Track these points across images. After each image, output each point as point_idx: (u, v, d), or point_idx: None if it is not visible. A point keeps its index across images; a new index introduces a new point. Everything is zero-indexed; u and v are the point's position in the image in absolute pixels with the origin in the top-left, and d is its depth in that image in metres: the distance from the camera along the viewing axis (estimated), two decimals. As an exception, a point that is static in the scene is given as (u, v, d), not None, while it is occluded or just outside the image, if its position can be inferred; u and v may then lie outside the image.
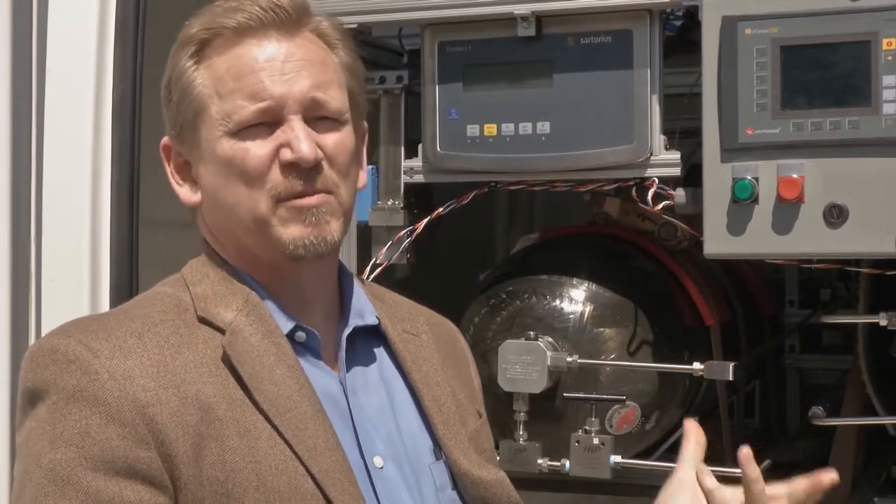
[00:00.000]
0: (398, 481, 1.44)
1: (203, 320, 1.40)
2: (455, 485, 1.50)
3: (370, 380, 1.49)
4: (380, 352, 1.53)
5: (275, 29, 1.43)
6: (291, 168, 1.40)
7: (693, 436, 1.57)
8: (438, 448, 1.50)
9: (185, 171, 1.49)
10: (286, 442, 1.34)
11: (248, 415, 1.34)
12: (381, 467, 1.43)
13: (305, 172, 1.40)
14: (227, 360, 1.37)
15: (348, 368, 1.47)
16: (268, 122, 1.41)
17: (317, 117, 1.43)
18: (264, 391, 1.36)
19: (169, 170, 1.50)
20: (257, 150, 1.40)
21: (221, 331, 1.39)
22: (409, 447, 1.47)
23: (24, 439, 1.32)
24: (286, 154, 1.39)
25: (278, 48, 1.42)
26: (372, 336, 1.53)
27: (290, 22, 1.44)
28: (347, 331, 1.48)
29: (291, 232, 1.40)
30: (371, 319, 1.52)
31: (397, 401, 1.51)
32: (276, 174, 1.40)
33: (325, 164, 1.42)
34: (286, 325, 1.43)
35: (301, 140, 1.39)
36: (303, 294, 1.47)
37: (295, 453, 1.34)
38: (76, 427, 1.28)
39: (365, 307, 1.53)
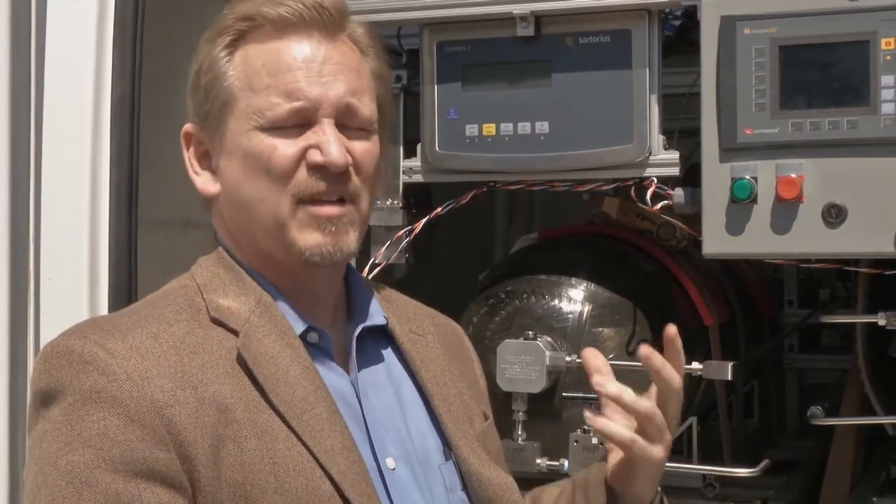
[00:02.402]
0: (410, 482, 1.43)
1: (216, 321, 1.39)
2: (464, 485, 1.49)
3: (379, 380, 1.49)
4: (388, 352, 1.53)
5: (316, 29, 1.42)
6: (318, 170, 1.39)
7: (591, 365, 1.49)
8: (448, 448, 1.50)
9: (205, 161, 1.47)
10: (303, 443, 1.33)
11: (264, 416, 1.34)
12: (394, 469, 1.42)
13: (332, 177, 1.39)
14: (242, 362, 1.36)
15: (359, 369, 1.46)
16: (300, 122, 1.40)
17: (347, 124, 1.42)
18: (280, 393, 1.35)
19: (187, 156, 1.48)
20: (286, 148, 1.39)
21: (235, 332, 1.38)
22: (419, 448, 1.47)
23: (36, 441, 1.31)
24: (315, 156, 1.39)
25: (318, 49, 1.41)
26: (379, 336, 1.53)
27: (331, 24, 1.43)
28: (357, 331, 1.47)
29: (308, 239, 1.39)
30: (379, 320, 1.52)
31: (406, 401, 1.50)
32: (301, 174, 1.39)
33: (352, 170, 1.41)
34: (299, 326, 1.43)
35: (332, 143, 1.38)
36: (313, 295, 1.46)
37: (312, 455, 1.33)
38: (94, 428, 1.26)
39: (373, 307, 1.53)
